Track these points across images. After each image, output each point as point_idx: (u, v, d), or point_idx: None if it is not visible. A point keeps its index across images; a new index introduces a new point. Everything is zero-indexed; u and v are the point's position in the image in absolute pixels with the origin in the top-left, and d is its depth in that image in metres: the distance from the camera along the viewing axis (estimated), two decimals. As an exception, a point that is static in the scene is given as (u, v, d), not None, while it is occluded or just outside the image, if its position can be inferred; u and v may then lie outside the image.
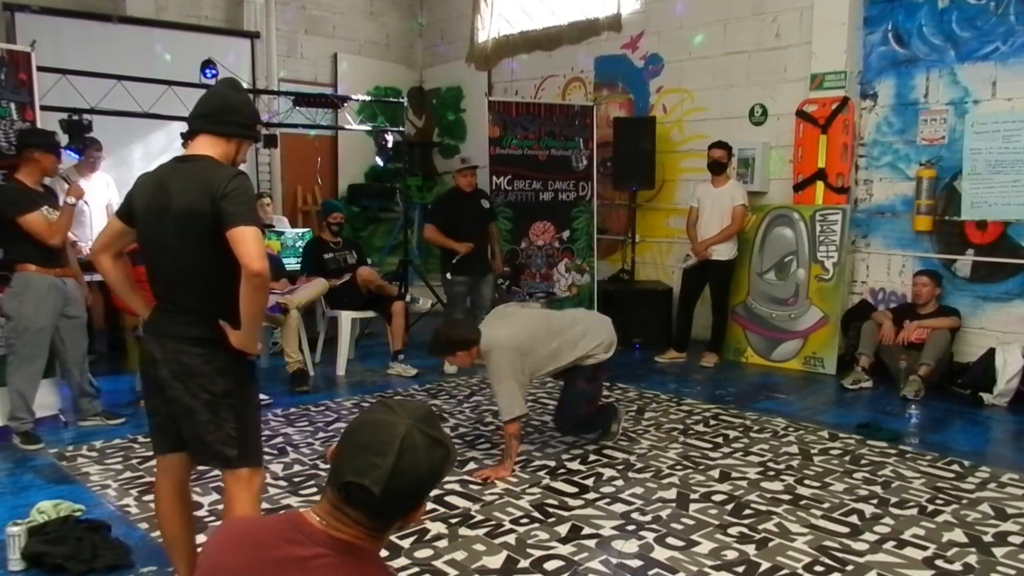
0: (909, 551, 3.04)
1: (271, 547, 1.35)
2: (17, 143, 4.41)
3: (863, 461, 4.06)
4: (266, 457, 3.97)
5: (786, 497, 3.57)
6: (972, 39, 5.63)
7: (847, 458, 4.11)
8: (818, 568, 2.91)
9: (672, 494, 3.61)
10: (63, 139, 4.42)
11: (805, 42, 6.36)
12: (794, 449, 4.25)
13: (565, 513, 3.40)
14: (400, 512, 1.38)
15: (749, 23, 6.77)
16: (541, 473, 3.89)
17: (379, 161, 7.66)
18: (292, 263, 6.59)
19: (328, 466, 1.41)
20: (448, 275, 6.17)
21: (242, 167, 2.44)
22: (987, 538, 3.16)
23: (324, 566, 1.31)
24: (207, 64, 6.41)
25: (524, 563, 2.94)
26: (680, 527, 3.26)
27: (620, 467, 3.96)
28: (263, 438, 4.14)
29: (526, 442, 4.34)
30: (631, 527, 3.26)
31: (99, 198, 6.03)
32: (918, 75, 5.91)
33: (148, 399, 2.47)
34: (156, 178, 2.38)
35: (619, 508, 3.45)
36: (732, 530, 3.23)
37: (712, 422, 4.77)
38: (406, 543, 3.08)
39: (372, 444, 1.33)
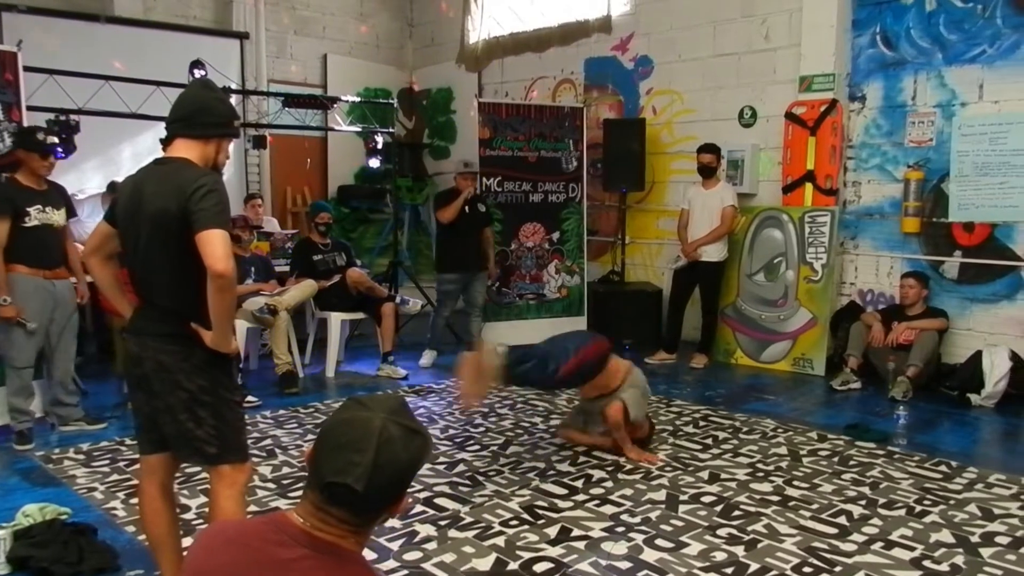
0: (897, 552, 3.05)
1: (255, 549, 1.34)
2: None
3: (852, 462, 4.07)
4: (255, 459, 3.96)
5: (775, 498, 3.58)
6: (959, 42, 5.66)
7: (836, 459, 4.12)
8: (807, 569, 2.91)
9: (661, 495, 3.61)
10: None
11: (794, 44, 6.38)
12: (783, 450, 4.26)
13: (555, 515, 3.39)
14: (384, 505, 1.39)
15: (738, 25, 6.79)
16: (531, 475, 3.89)
17: (371, 163, 7.66)
18: (281, 264, 6.56)
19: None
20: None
21: (229, 166, 2.46)
22: (974, 539, 3.17)
23: (308, 568, 1.31)
24: (196, 65, 6.36)
25: (513, 565, 2.93)
26: (669, 528, 3.26)
27: (610, 468, 3.96)
28: (251, 439, 4.17)
29: (515, 443, 4.34)
30: (620, 528, 3.26)
31: None
32: (906, 77, 5.94)
33: (133, 398, 2.51)
34: (134, 181, 2.42)
35: (608, 509, 3.45)
36: (721, 531, 3.23)
37: (702, 423, 4.77)
38: (395, 545, 3.07)
39: (350, 442, 1.33)
